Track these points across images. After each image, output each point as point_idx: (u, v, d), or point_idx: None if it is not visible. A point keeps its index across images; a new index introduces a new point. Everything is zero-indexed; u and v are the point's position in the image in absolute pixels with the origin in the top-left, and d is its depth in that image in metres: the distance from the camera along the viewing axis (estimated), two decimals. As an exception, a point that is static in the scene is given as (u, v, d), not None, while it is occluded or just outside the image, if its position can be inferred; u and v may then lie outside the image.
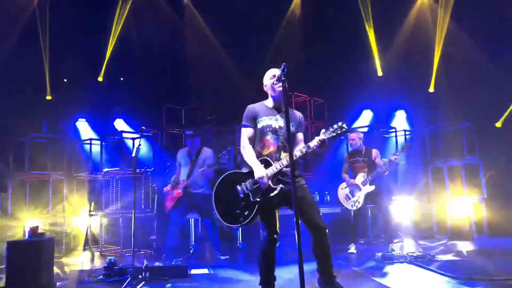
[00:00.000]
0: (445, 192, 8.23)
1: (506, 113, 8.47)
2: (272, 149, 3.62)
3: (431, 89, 9.37)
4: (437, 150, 8.55)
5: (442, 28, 9.08)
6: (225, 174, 3.74)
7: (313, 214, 3.58)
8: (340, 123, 3.46)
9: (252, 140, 3.76)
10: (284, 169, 3.56)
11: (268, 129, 3.68)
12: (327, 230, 3.59)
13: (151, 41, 9.58)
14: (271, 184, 3.51)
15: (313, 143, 3.45)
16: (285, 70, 3.13)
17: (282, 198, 3.55)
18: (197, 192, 6.11)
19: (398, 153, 6.49)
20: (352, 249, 6.53)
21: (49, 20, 8.56)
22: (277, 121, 3.70)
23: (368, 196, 6.44)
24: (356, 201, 6.45)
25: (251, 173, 3.59)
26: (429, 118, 9.01)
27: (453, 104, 8.74)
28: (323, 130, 3.51)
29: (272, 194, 3.48)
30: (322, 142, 3.43)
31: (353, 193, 6.51)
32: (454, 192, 8.29)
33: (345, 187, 6.67)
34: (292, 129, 3.70)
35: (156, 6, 9.81)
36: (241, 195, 3.57)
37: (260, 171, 3.52)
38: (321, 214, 3.67)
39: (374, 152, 6.57)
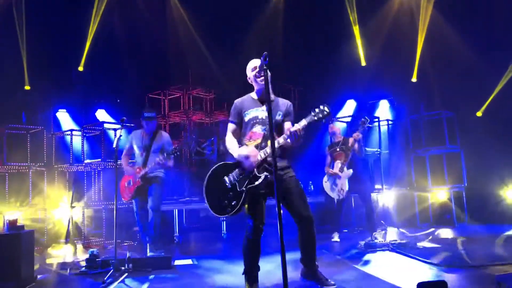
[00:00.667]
0: (426, 181, 8.34)
1: (487, 103, 8.60)
2: (258, 140, 3.60)
3: (414, 79, 9.44)
4: (419, 139, 8.64)
5: (425, 18, 9.13)
6: (214, 166, 3.71)
7: (300, 205, 3.58)
8: (321, 106, 3.38)
9: (238, 135, 3.76)
10: (270, 158, 3.52)
11: (255, 121, 3.67)
12: (313, 222, 3.60)
13: (133, 30, 9.43)
14: (256, 172, 3.48)
15: (294, 128, 3.37)
16: (267, 59, 3.08)
17: (269, 188, 3.53)
18: (153, 176, 5.68)
19: (358, 130, 6.45)
20: (336, 237, 6.60)
21: (25, 9, 8.34)
22: (264, 112, 3.66)
23: (351, 182, 6.46)
24: (341, 189, 6.49)
25: (238, 163, 3.58)
26: (411, 108, 9.09)
27: (435, 94, 8.84)
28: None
29: (257, 182, 3.45)
30: (303, 127, 3.36)
31: (335, 182, 6.56)
32: (435, 181, 8.41)
33: (328, 179, 6.75)
34: (279, 118, 3.68)
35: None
36: (229, 186, 3.54)
37: (243, 151, 3.50)
38: (309, 205, 3.65)
39: (351, 139, 6.60)
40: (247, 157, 3.47)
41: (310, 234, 3.63)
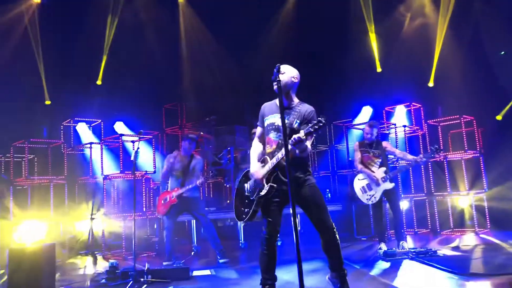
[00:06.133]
0: (446, 186, 8.19)
1: (508, 106, 8.44)
2: (274, 147, 3.61)
3: (431, 84, 9.33)
4: (437, 145, 8.49)
5: (443, 22, 9.04)
6: (243, 172, 3.83)
7: (321, 215, 3.58)
8: (319, 118, 3.30)
9: (263, 139, 3.82)
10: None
11: (271, 127, 3.70)
12: (335, 230, 3.60)
13: (148, 42, 9.59)
14: (264, 183, 3.53)
15: (292, 138, 3.29)
16: (280, 71, 3.14)
17: (284, 196, 3.56)
18: (188, 196, 6.05)
19: (424, 156, 6.06)
20: (383, 248, 5.98)
21: (39, 26, 8.62)
22: (280, 119, 3.65)
23: (385, 193, 6.09)
24: (373, 195, 6.08)
25: None
26: (429, 113, 8.98)
27: (453, 98, 8.71)
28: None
29: (262, 193, 3.50)
30: (297, 140, 3.28)
31: (370, 186, 6.12)
32: (455, 186, 8.27)
33: (363, 179, 6.21)
34: (296, 126, 3.60)
35: (150, 7, 9.79)
36: (246, 193, 3.68)
37: (252, 168, 3.62)
38: (328, 214, 3.61)
39: (384, 143, 6.33)
40: (252, 176, 3.60)
41: (331, 242, 3.62)
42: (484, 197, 7.93)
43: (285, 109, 3.64)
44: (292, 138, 3.29)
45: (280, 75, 3.49)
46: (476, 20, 8.53)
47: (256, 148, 3.80)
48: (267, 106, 3.84)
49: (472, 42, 8.56)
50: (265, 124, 3.76)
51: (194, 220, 7.45)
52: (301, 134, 3.30)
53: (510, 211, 7.68)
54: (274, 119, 3.70)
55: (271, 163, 3.53)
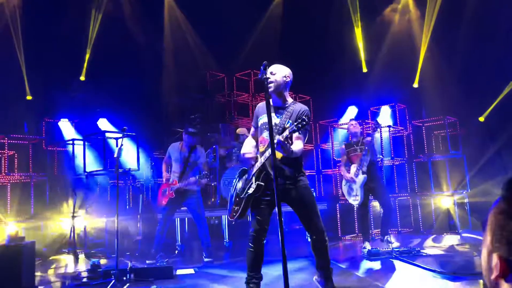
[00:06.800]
0: (429, 187, 8.29)
1: (490, 108, 8.56)
2: (266, 146, 3.57)
3: (416, 85, 9.43)
4: (421, 145, 8.61)
5: (429, 24, 9.14)
6: (239, 170, 3.80)
7: (311, 216, 3.57)
8: (303, 116, 3.32)
9: (256, 139, 3.79)
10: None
11: (264, 126, 3.65)
12: (324, 231, 3.58)
13: (132, 38, 9.47)
14: (253, 180, 3.50)
15: (277, 139, 3.25)
16: (267, 68, 3.09)
17: (273, 196, 3.51)
18: (188, 189, 5.97)
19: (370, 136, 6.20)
20: (368, 247, 5.95)
21: (20, 20, 8.43)
22: (273, 118, 3.58)
23: (368, 188, 6.05)
24: (355, 195, 6.08)
25: (248, 169, 3.66)
26: (413, 114, 9.07)
27: (437, 99, 8.82)
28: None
29: (250, 191, 3.46)
30: (278, 141, 3.23)
31: (351, 187, 6.14)
32: (438, 187, 8.36)
33: (346, 183, 6.26)
34: (288, 125, 3.52)
35: (135, 3, 9.68)
36: (237, 192, 3.66)
37: (243, 150, 3.67)
38: (317, 215, 3.59)
39: (369, 139, 6.22)
40: (243, 154, 3.59)
41: (320, 243, 3.62)
42: (466, 197, 8.04)
43: (278, 109, 3.65)
44: (278, 140, 3.24)
45: (271, 76, 3.54)
46: (460, 23, 8.64)
47: (245, 146, 3.78)
48: (261, 105, 3.80)
49: (456, 45, 8.66)
50: (259, 124, 3.72)
51: (178, 219, 7.38)
52: (284, 134, 3.28)
53: (491, 211, 7.79)
54: (267, 118, 3.65)
55: (259, 161, 3.51)
